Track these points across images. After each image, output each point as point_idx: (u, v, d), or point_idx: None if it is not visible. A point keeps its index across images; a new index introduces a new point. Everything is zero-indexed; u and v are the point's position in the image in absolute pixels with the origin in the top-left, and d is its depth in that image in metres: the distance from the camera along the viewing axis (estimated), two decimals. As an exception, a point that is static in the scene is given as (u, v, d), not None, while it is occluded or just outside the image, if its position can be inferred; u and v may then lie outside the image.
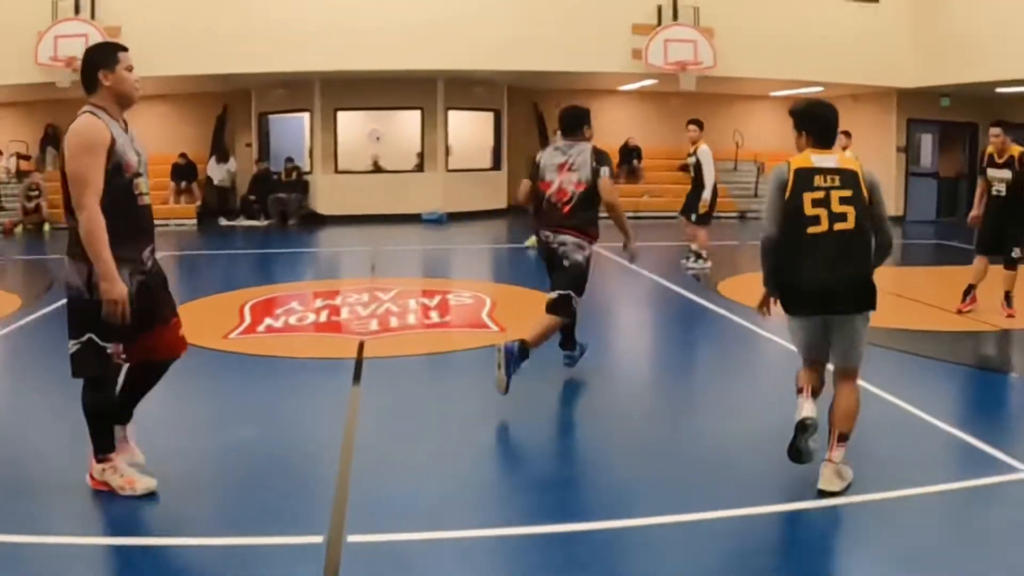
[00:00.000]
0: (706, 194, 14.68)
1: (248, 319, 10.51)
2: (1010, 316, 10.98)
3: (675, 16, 21.63)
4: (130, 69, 5.21)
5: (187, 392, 7.06)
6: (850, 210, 5.49)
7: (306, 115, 23.63)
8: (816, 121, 5.86)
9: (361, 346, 9.07)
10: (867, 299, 5.62)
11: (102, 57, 5.18)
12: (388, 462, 5.99)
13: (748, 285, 13.18)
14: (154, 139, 9.43)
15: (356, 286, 13.02)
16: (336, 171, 23.37)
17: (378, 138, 24.32)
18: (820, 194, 5.51)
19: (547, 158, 8.09)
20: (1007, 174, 10.95)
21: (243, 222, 22.25)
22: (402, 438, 6.47)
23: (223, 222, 22.21)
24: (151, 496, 5.20)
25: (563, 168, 7.85)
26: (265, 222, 22.06)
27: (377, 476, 5.72)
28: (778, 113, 27.30)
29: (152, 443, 5.49)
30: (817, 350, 5.82)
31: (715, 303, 11.79)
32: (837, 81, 23.33)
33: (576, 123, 8.07)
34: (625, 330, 10.81)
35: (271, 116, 24.49)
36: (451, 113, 23.84)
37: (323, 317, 10.74)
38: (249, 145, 24.55)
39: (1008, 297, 11.17)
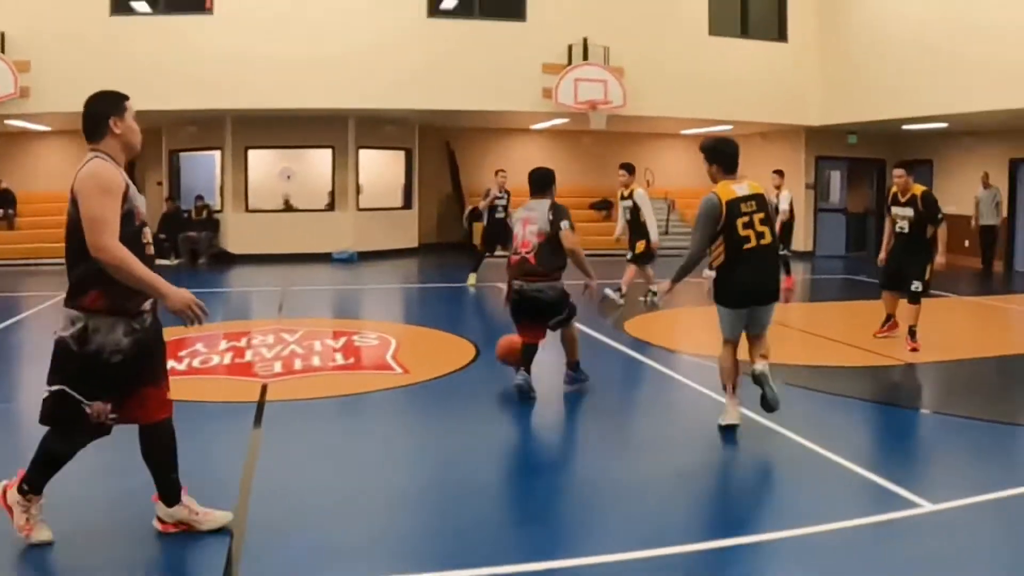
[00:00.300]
0: (653, 237, 14.97)
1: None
2: (914, 350, 11.32)
3: (585, 56, 21.79)
4: (133, 117, 5.19)
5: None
6: (767, 229, 7.51)
7: (217, 153, 23.45)
8: (724, 154, 7.80)
9: (264, 389, 8.98)
10: (778, 291, 7.88)
11: (111, 105, 5.14)
12: (287, 508, 5.88)
13: (655, 324, 13.35)
14: (61, 177, 9.33)
15: (262, 327, 12.90)
16: (247, 209, 23.17)
17: (289, 176, 24.23)
18: (746, 218, 7.42)
19: (516, 215, 9.28)
20: (910, 212, 11.54)
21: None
22: (302, 483, 6.38)
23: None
24: (46, 546, 5.09)
25: (526, 222, 8.87)
26: (175, 261, 21.78)
27: (275, 523, 5.61)
28: (689, 151, 27.67)
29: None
30: (739, 331, 7.78)
31: (621, 342, 11.88)
32: (746, 119, 23.73)
33: (542, 183, 9.06)
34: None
35: (182, 153, 24.28)
36: (362, 152, 23.84)
37: (227, 359, 10.56)
38: (160, 183, 24.25)
39: (912, 331, 11.52)
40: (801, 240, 25.17)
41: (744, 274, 7.48)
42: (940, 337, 12.24)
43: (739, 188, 7.52)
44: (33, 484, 5.13)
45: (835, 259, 25.31)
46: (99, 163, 4.96)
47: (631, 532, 5.58)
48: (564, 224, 8.65)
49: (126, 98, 5.23)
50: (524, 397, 8.59)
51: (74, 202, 4.87)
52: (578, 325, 10.35)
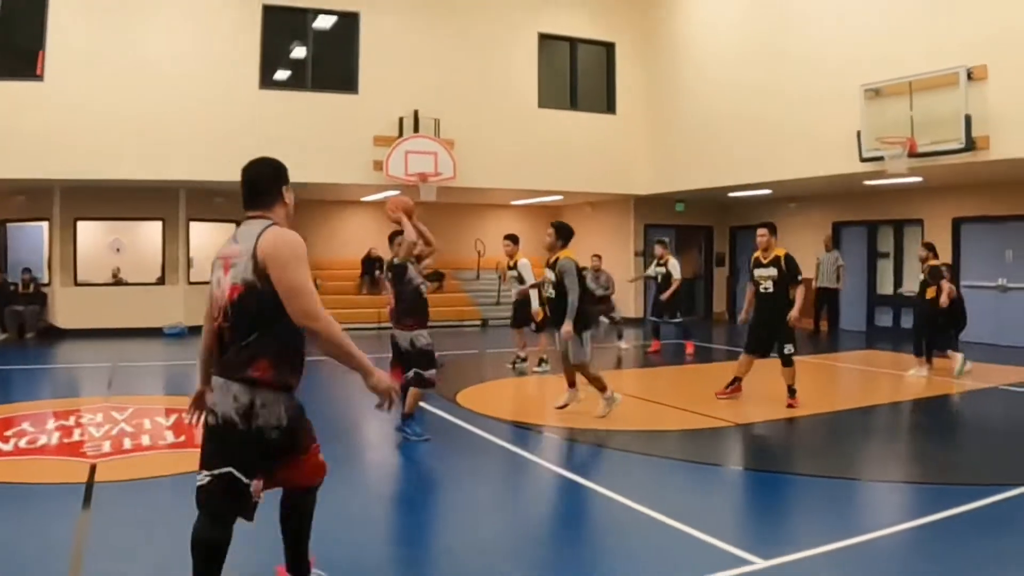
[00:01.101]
0: (534, 305, 15.71)
1: (-26, 443, 10.06)
2: (791, 406, 12.01)
3: (416, 128, 22.09)
4: None
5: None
6: None
7: (45, 224, 22.98)
8: (569, 232, 11.68)
9: (93, 469, 8.84)
10: None
11: (286, 173, 5.10)
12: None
13: (487, 394, 13.53)
14: None
15: (91, 405, 12.63)
16: (76, 283, 22.71)
17: (119, 249, 23.91)
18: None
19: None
20: (773, 272, 12.16)
21: (-22, 336, 21.38)
22: (133, 568, 6.27)
23: (-44, 336, 21.29)
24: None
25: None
26: (1, 336, 21.33)
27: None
28: (520, 221, 28.20)
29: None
30: None
31: (453, 414, 12.01)
32: (576, 189, 24.30)
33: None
34: (361, 446, 10.86)
35: (9, 224, 23.68)
36: (193, 224, 23.60)
37: (55, 439, 10.32)
38: (-15, 256, 23.67)
39: (791, 390, 12.19)
40: (632, 307, 25.77)
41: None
42: (770, 397, 12.71)
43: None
44: None
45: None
46: (286, 231, 4.85)
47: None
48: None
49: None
50: None
51: (256, 270, 4.72)
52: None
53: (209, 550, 4.85)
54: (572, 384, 11.86)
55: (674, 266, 17.99)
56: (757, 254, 12.49)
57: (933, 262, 15.80)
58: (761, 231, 12.43)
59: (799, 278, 12.23)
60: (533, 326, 16.06)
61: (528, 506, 7.45)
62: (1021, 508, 7.68)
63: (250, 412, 4.76)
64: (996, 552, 6.60)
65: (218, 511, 4.85)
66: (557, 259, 11.54)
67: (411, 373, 10.22)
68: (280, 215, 5.04)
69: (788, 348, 12.19)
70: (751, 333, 12.70)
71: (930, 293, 15.48)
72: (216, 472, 4.78)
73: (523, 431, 11.07)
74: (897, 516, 7.57)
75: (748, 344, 12.73)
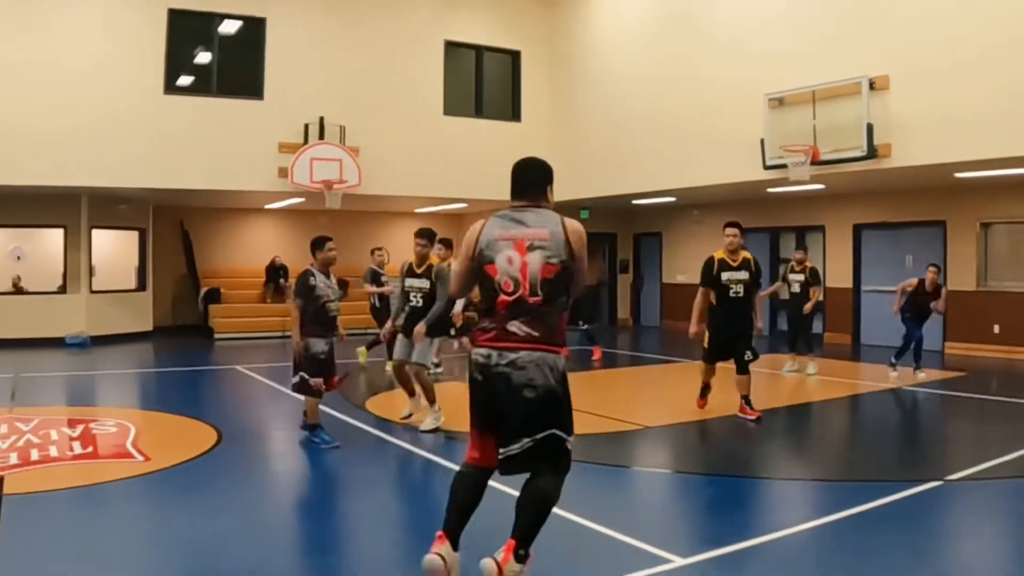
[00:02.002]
0: (457, 307, 15.80)
1: None
2: (755, 417, 11.79)
3: (321, 135, 22.01)
4: None
5: None
6: None
7: (-57, 232, 22.44)
8: (435, 236, 11.87)
9: (0, 481, 8.75)
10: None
11: (552, 174, 5.99)
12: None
13: (397, 400, 13.49)
14: None
15: (-5, 416, 12.46)
16: (-27, 292, 22.26)
17: (19, 257, 23.47)
18: None
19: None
20: (744, 275, 11.77)
21: None
22: None
23: None
24: None
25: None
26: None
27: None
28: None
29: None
30: None
31: (363, 421, 12.00)
32: (480, 197, 24.23)
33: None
34: (271, 454, 10.78)
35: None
36: (95, 231, 23.17)
37: (-42, 452, 10.19)
38: None
39: (747, 400, 11.92)
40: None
41: None
42: (680, 399, 12.86)
43: None
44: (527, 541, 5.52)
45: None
46: (575, 220, 5.79)
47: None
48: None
49: None
50: None
51: (570, 252, 5.57)
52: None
53: (547, 505, 5.62)
54: (412, 393, 11.83)
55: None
56: (721, 256, 11.84)
57: (810, 264, 16.87)
58: (731, 231, 11.76)
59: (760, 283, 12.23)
60: (452, 331, 16.07)
61: (442, 513, 7.44)
62: (922, 504, 7.93)
63: (563, 377, 5.57)
64: (906, 545, 6.81)
65: (537, 467, 5.59)
66: (431, 265, 11.57)
67: (297, 377, 10.36)
68: (550, 206, 5.86)
69: (749, 355, 11.81)
70: (719, 343, 11.99)
71: (813, 294, 16.35)
72: (539, 436, 5.49)
73: (435, 437, 11.04)
74: (808, 512, 7.75)
75: (713, 355, 12.16)
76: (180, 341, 22.96)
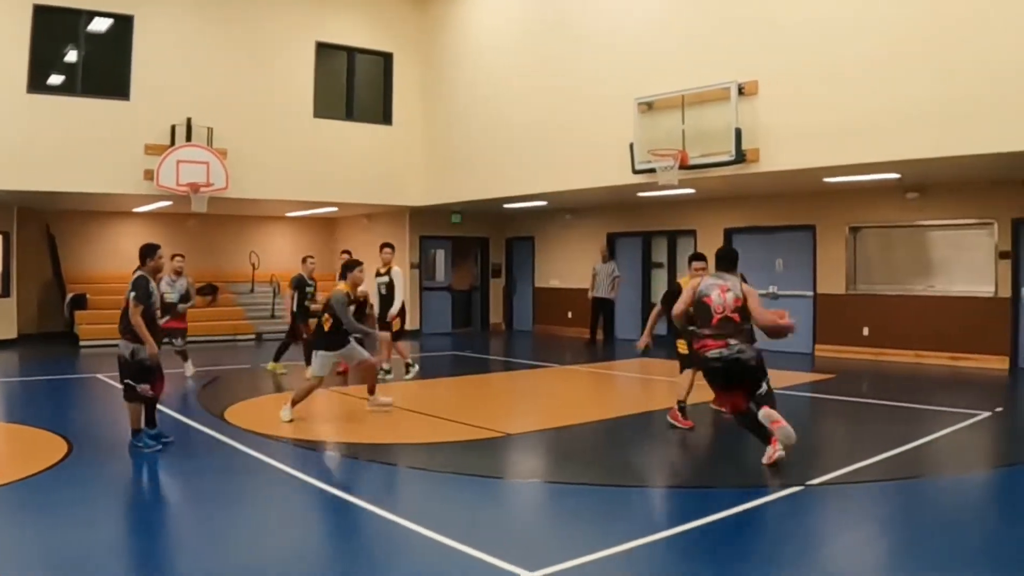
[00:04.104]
0: (394, 309, 16.10)
1: None
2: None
3: (188, 137, 21.58)
4: None
5: None
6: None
7: None
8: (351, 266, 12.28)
9: None
10: None
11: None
12: None
13: (258, 409, 13.26)
14: None
15: None
16: None
17: None
18: None
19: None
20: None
21: None
22: None
23: None
24: None
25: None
26: None
27: None
28: (295, 234, 27.92)
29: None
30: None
31: (220, 431, 11.53)
32: (351, 201, 24.16)
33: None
34: (120, 468, 10.39)
35: None
36: (-45, 236, 22.35)
37: None
38: None
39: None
40: (410, 319, 25.72)
41: None
42: (545, 406, 12.80)
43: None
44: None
45: (441, 336, 25.96)
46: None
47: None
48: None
49: None
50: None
51: (743, 294, 9.80)
52: (176, 415, 10.26)
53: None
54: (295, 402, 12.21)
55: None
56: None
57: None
58: (698, 264, 12.08)
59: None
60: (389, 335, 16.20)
61: (290, 528, 7.25)
62: (782, 510, 8.00)
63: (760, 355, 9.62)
64: (762, 552, 6.91)
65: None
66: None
67: (123, 384, 10.34)
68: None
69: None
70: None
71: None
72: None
73: (292, 448, 10.79)
74: (665, 521, 7.76)
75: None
76: (44, 349, 22.29)
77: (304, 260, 17.75)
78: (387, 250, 16.61)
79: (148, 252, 10.53)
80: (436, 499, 8.65)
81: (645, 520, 8.03)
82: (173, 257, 16.50)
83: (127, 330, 10.15)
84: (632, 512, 8.32)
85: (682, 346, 12.10)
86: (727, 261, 10.24)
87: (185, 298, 16.59)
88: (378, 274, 16.35)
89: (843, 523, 7.86)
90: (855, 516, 8.04)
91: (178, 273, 16.63)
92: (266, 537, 7.45)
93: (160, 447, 10.25)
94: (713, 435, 12.18)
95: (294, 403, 12.06)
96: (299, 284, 17.24)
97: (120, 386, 10.44)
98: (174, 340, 16.34)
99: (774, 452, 9.20)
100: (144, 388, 10.21)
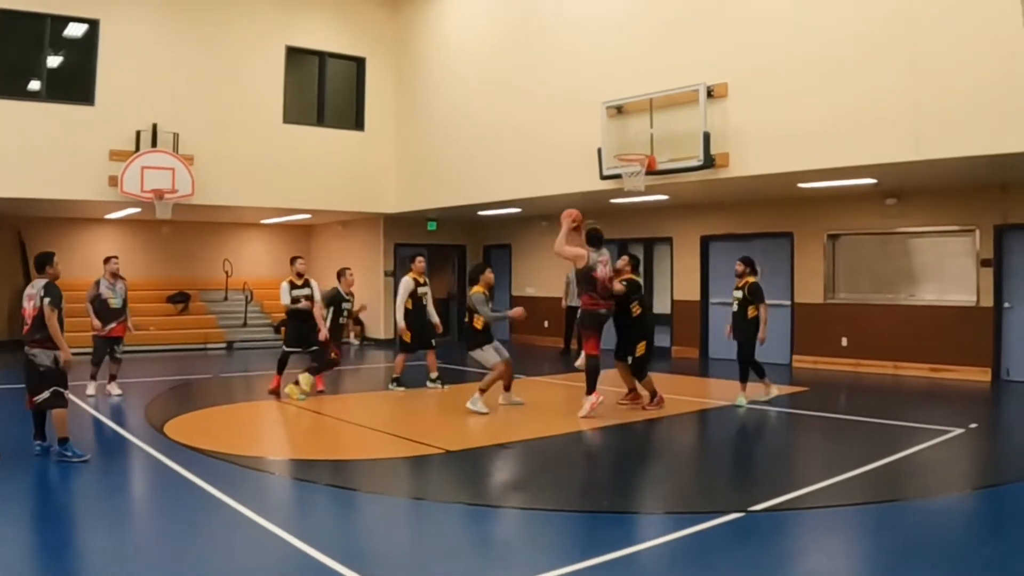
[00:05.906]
0: (396, 316, 16.49)
1: None
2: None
3: (154, 142, 21.20)
4: None
5: None
6: None
7: None
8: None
9: None
10: None
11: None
12: None
13: (203, 423, 12.80)
14: None
15: None
16: None
17: None
18: None
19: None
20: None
21: None
22: None
23: None
24: None
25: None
26: None
27: None
28: (269, 241, 27.50)
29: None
30: None
31: (159, 448, 10.94)
32: (324, 208, 23.89)
33: None
34: (39, 479, 9.93)
35: None
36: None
37: None
38: None
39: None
40: (383, 329, 25.43)
41: None
42: (502, 419, 12.41)
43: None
44: None
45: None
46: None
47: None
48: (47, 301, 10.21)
49: None
50: None
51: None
52: (114, 426, 9.80)
53: None
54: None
55: (316, 287, 16.48)
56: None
57: (751, 279, 14.93)
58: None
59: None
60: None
61: (203, 551, 6.78)
62: (718, 538, 7.43)
63: None
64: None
65: None
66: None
67: (47, 393, 10.26)
68: None
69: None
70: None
71: (751, 312, 14.61)
72: None
73: (229, 465, 10.26)
74: (595, 548, 7.15)
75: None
76: (14, 356, 21.83)
77: (342, 273, 16.21)
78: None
79: (46, 260, 10.75)
80: (355, 522, 8.25)
81: (564, 548, 7.38)
82: (108, 260, 15.89)
83: (47, 339, 10.21)
84: (552, 539, 7.66)
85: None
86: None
87: (124, 303, 15.89)
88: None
89: (783, 553, 7.26)
90: (795, 545, 7.51)
91: (115, 276, 15.93)
92: (172, 562, 6.89)
93: (38, 452, 10.36)
94: (665, 453, 11.74)
95: (482, 391, 13.62)
96: (334, 300, 15.87)
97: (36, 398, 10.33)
98: (115, 347, 15.75)
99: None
100: (44, 396, 10.27)
